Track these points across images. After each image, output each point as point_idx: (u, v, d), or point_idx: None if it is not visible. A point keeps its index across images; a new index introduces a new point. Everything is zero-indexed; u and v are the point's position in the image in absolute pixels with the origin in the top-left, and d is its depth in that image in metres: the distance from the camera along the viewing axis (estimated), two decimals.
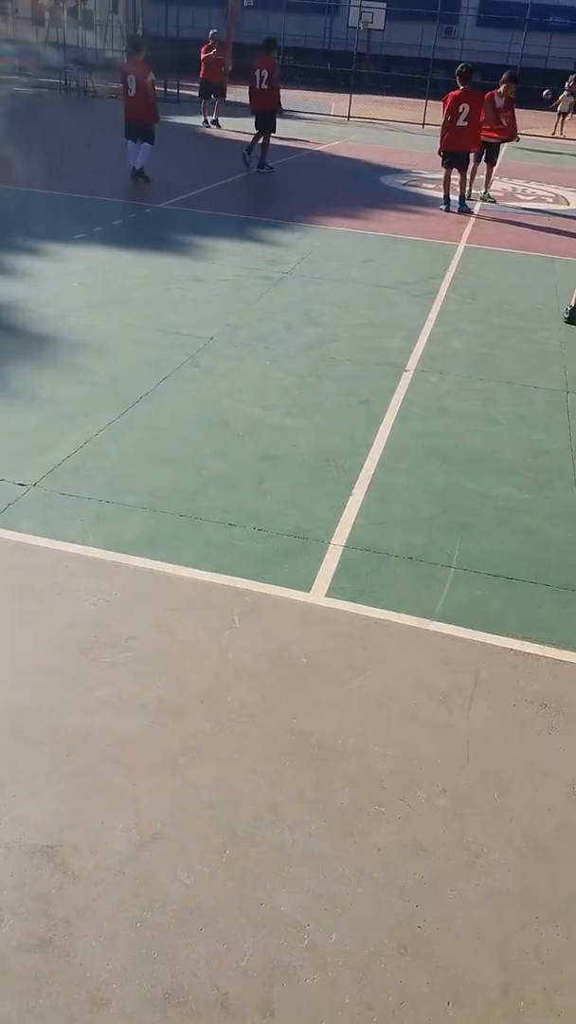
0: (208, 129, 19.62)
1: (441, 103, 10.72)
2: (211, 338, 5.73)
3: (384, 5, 29.67)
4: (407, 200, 11.70)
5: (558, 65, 34.22)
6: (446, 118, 10.46)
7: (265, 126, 12.72)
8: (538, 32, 32.43)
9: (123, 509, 3.60)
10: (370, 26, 30.26)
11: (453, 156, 10.62)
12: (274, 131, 12.98)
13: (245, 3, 26.84)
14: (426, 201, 11.77)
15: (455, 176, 10.86)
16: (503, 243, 9.45)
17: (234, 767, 2.39)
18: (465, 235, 9.62)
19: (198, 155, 15.60)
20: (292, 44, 34.52)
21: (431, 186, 12.82)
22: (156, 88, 11.29)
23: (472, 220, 10.66)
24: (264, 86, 12.49)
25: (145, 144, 11.02)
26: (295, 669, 2.79)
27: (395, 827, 2.24)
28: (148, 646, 2.82)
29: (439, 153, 10.77)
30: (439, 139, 10.78)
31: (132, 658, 2.76)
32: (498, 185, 13.53)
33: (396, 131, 12.59)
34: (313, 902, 2.02)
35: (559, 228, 10.74)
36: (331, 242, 8.87)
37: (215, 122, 19.04)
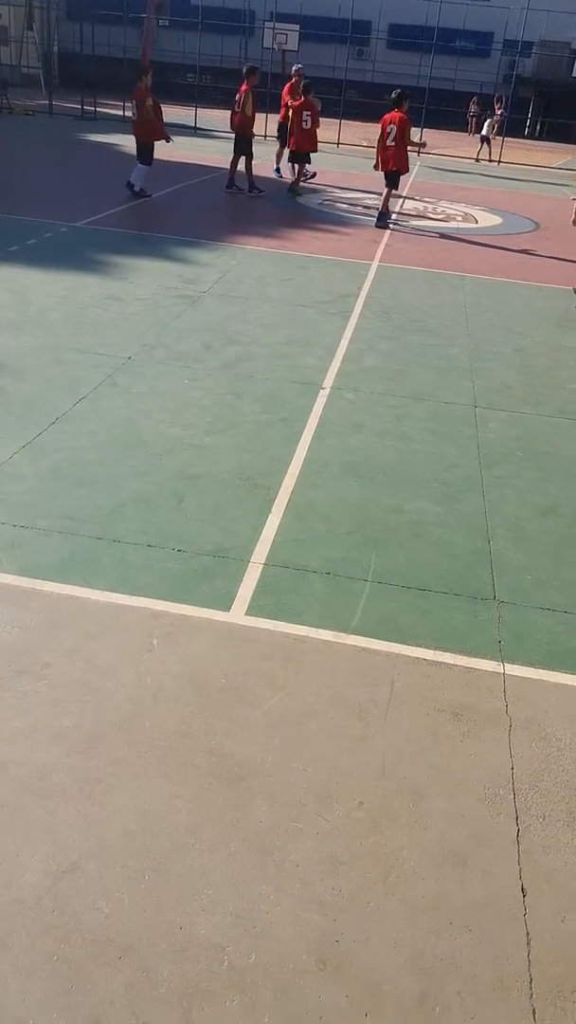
0: (125, 147, 19.51)
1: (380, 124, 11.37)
2: (129, 358, 5.71)
3: (297, 27, 30.15)
4: (322, 219, 11.92)
5: (464, 87, 35.48)
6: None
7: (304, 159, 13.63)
8: (445, 55, 33.53)
9: (38, 533, 3.56)
10: (284, 47, 30.71)
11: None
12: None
13: (160, 23, 26.89)
14: (340, 220, 12.01)
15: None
16: (415, 262, 9.71)
17: (152, 792, 2.38)
18: (378, 254, 9.85)
19: (116, 173, 15.52)
20: (208, 64, 34.76)
21: (345, 206, 13.08)
22: (157, 110, 11.83)
23: (385, 239, 10.92)
24: (307, 127, 13.11)
25: (139, 164, 11.93)
26: (214, 690, 2.80)
27: (313, 843, 2.28)
28: (64, 673, 2.79)
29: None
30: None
31: (48, 686, 2.73)
32: (409, 204, 13.93)
33: (328, 151, 12.88)
34: (232, 923, 2.03)
35: (469, 246, 11.09)
36: (248, 261, 8.96)
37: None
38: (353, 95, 32.38)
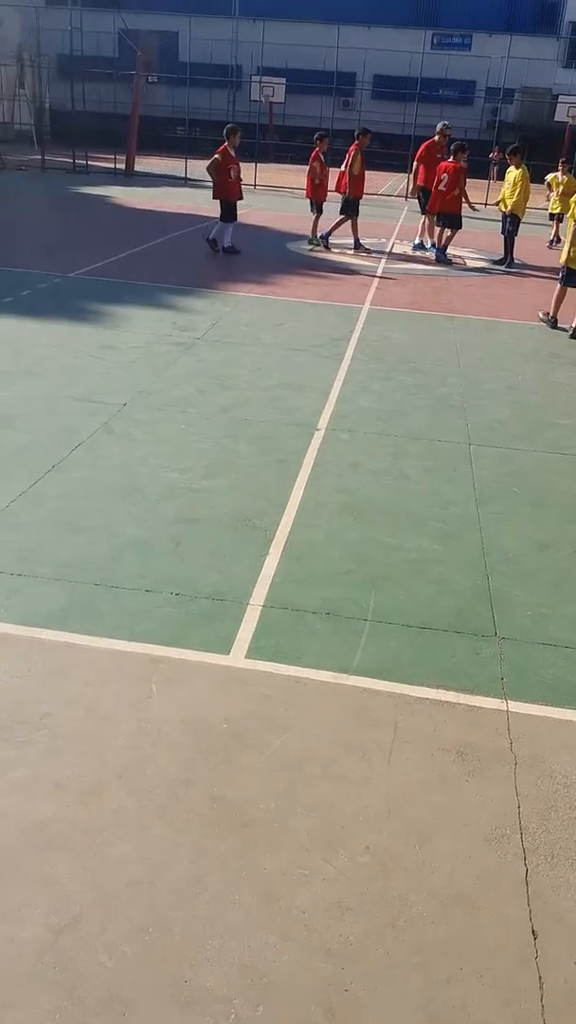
0: (116, 199, 19.94)
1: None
2: (124, 404, 5.77)
3: (284, 80, 31.05)
4: (312, 265, 12.13)
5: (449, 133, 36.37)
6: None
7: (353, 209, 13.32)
8: (429, 104, 34.44)
9: (36, 581, 3.56)
10: (271, 99, 31.62)
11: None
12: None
13: (150, 79, 27.68)
14: (330, 266, 12.22)
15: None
16: (405, 304, 9.87)
17: (155, 842, 2.35)
18: (369, 297, 10.01)
19: (108, 225, 15.84)
20: (197, 117, 35.69)
21: (336, 251, 13.33)
22: (227, 171, 11.92)
23: (375, 282, 11.11)
24: (355, 172, 12.98)
25: (220, 221, 12.13)
26: (216, 735, 2.78)
27: (319, 889, 2.24)
28: (64, 722, 2.77)
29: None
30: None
31: (47, 736, 2.71)
32: (399, 248, 14.19)
33: (300, 198, 13.16)
34: (239, 974, 1.99)
35: (457, 288, 11.28)
36: (241, 308, 9.09)
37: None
38: (339, 143, 33.23)
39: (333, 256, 12.99)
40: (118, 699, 2.90)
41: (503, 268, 12.85)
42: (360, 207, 13.37)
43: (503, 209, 12.80)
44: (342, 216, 13.27)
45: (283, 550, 3.98)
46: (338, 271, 11.82)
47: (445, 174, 12.39)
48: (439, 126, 13.30)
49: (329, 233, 13.31)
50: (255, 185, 25.31)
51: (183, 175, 25.95)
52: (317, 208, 13.57)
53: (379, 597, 3.65)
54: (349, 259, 12.87)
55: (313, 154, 13.13)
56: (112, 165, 26.64)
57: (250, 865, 2.29)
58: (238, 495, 4.54)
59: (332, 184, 13.67)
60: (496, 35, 36.88)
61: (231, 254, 12.12)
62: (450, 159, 12.56)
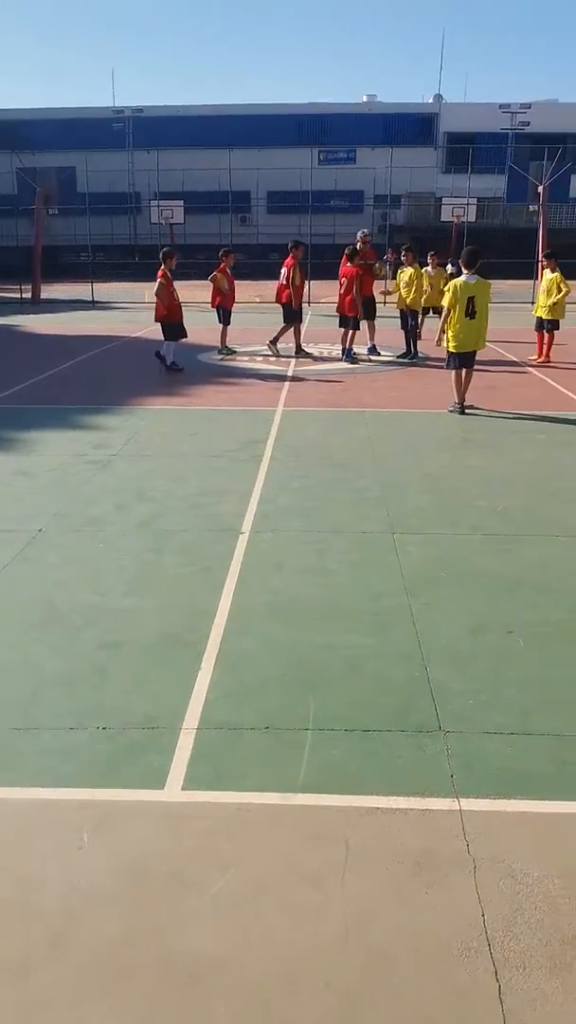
0: (24, 327, 20.17)
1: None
2: (40, 530, 5.62)
3: (181, 202, 32.51)
4: (224, 373, 12.38)
5: (343, 240, 38.50)
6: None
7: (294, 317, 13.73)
8: (322, 214, 36.52)
9: None
10: (171, 221, 32.99)
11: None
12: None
13: (50, 212, 28.60)
14: (241, 372, 12.49)
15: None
16: (317, 402, 10.10)
17: (97, 1015, 2.11)
18: (282, 399, 10.22)
19: (16, 353, 15.95)
20: (100, 243, 36.91)
21: (245, 358, 13.67)
22: (170, 290, 12.17)
23: (287, 385, 11.38)
24: (296, 283, 13.30)
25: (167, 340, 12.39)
26: (156, 881, 2.56)
27: None
28: None
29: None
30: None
31: None
32: (311, 350, 14.62)
33: (205, 311, 13.57)
34: None
35: (365, 384, 11.64)
36: (156, 420, 9.14)
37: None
38: (242, 257, 34.73)
39: (244, 363, 13.31)
40: (44, 856, 2.66)
41: (408, 360, 13.36)
42: (299, 314, 13.89)
43: (401, 306, 13.44)
44: (286, 324, 13.75)
45: (215, 663, 3.84)
46: (250, 377, 12.09)
47: (345, 278, 12.92)
48: (359, 234, 13.85)
49: (275, 339, 13.81)
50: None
51: (90, 299, 26.54)
52: (225, 318, 13.98)
53: (318, 702, 3.52)
54: (260, 364, 13.20)
55: (220, 267, 13.59)
56: (18, 295, 27.12)
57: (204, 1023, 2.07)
58: (164, 610, 4.41)
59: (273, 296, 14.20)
60: (378, 147, 39.65)
61: (175, 371, 12.25)
62: (347, 264, 13.06)
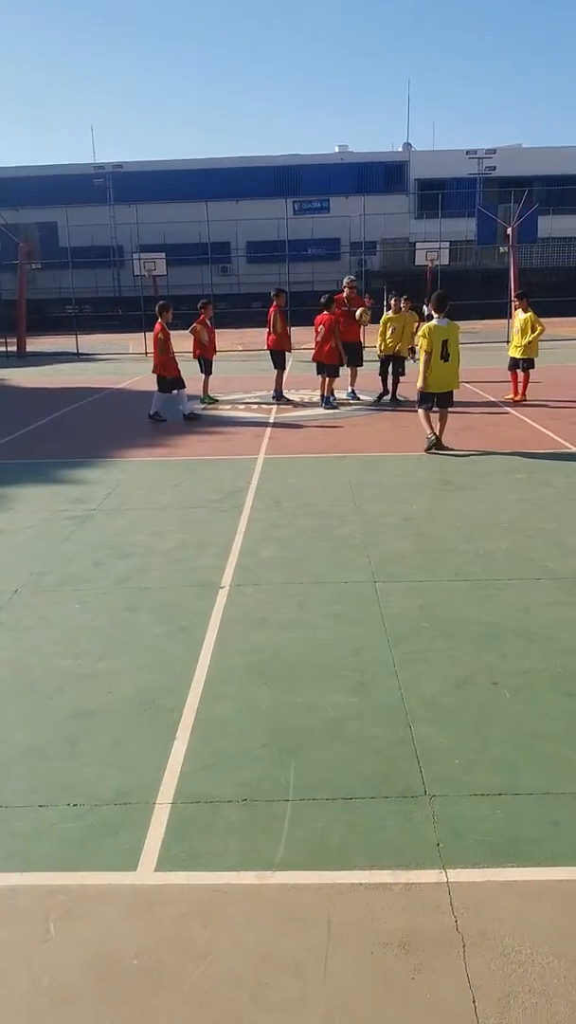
0: (8, 380, 20.20)
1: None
2: (15, 591, 5.49)
3: (163, 255, 32.97)
4: (205, 423, 12.35)
5: (321, 287, 39.12)
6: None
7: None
8: (300, 262, 37.11)
9: None
10: (153, 273, 33.42)
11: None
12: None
13: (33, 266, 28.94)
14: (223, 421, 12.49)
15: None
16: (298, 449, 10.07)
17: None
18: (263, 448, 10.18)
19: (0, 407, 15.93)
20: (85, 296, 37.33)
21: (227, 407, 13.70)
22: (165, 344, 12.18)
23: (268, 432, 11.37)
24: (279, 330, 13.54)
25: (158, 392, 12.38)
26: (125, 976, 2.41)
27: None
28: None
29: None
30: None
31: None
32: (291, 397, 14.66)
33: (189, 361, 13.61)
34: None
35: (346, 428, 11.64)
36: (138, 473, 9.08)
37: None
38: (225, 306, 35.18)
39: (226, 411, 13.32)
40: (6, 950, 2.50)
41: (388, 403, 13.40)
42: (285, 360, 14.10)
43: (388, 352, 13.44)
44: (277, 370, 13.92)
45: (191, 731, 3.70)
46: (232, 425, 12.08)
47: (322, 326, 12.99)
48: (345, 280, 13.92)
49: (278, 389, 13.99)
50: (146, 353, 26.24)
51: (75, 351, 26.72)
52: (206, 367, 14.03)
53: (299, 770, 3.38)
54: (242, 412, 13.22)
55: (199, 319, 13.68)
56: (3, 348, 27.29)
57: None
58: (139, 674, 4.27)
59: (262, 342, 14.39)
60: (352, 196, 40.46)
61: (157, 420, 12.23)
62: (323, 312, 13.14)
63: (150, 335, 26.92)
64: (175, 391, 12.23)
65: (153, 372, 12.52)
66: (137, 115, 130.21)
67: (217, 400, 14.20)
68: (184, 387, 12.37)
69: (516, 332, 13.05)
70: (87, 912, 2.65)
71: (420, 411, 9.65)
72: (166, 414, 12.38)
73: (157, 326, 12.23)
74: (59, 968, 2.44)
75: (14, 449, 10.85)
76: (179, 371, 12.27)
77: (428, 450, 9.41)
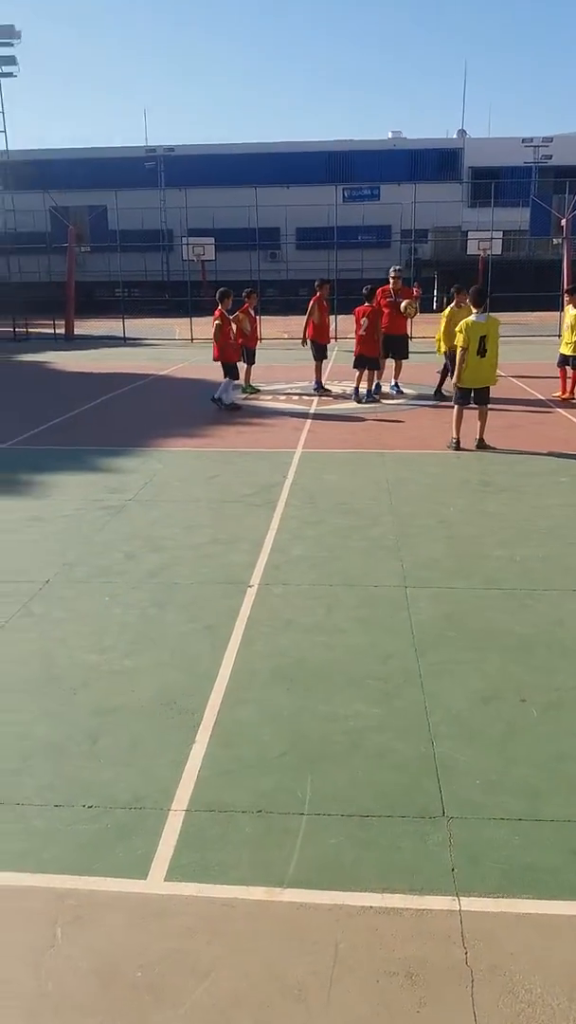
0: (56, 364, 20.42)
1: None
2: (47, 581, 5.54)
3: (212, 240, 32.94)
4: (245, 414, 12.30)
5: (370, 275, 38.75)
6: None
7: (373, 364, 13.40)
8: (350, 249, 36.76)
9: None
10: (203, 258, 33.43)
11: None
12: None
13: (83, 249, 29.13)
14: (263, 412, 12.44)
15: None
16: (336, 444, 9.98)
17: None
18: (301, 441, 10.11)
19: (46, 390, 16.12)
20: (131, 279, 37.50)
21: (268, 397, 13.64)
22: (226, 331, 12.38)
23: (308, 425, 11.29)
24: (363, 333, 12.97)
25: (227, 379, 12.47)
26: (127, 988, 2.40)
27: None
28: None
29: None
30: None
31: None
32: (330, 387, 14.54)
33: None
34: None
35: (386, 423, 11.50)
36: (175, 463, 9.09)
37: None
38: (272, 293, 35.06)
39: (267, 402, 13.26)
40: (15, 952, 2.51)
41: (432, 400, 13.14)
42: (326, 351, 14.03)
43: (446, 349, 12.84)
44: (316, 361, 13.91)
45: (211, 735, 3.68)
46: (272, 416, 12.03)
47: (364, 318, 12.77)
48: (392, 271, 13.50)
49: (319, 380, 14.00)
50: (192, 339, 26.30)
51: (122, 335, 26.87)
52: (249, 357, 14.00)
53: (316, 782, 3.34)
54: (282, 404, 13.15)
55: (243, 308, 13.64)
56: (52, 331, 27.58)
57: None
58: (163, 672, 4.27)
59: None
60: (404, 184, 39.92)
61: (232, 408, 12.34)
62: (365, 303, 12.89)
63: (198, 320, 27.03)
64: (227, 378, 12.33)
65: (215, 359, 12.62)
66: (191, 99, 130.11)
67: (259, 390, 14.16)
68: (237, 377, 12.45)
69: (567, 328, 12.74)
70: (95, 919, 2.65)
71: (455, 408, 9.49)
72: (177, 398, 12.52)
73: (217, 312, 12.28)
74: (64, 974, 2.44)
75: (56, 435, 10.95)
76: (237, 358, 12.38)
77: (449, 446, 9.30)
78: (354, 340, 13.16)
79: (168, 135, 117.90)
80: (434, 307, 42.44)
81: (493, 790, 3.28)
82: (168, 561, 5.95)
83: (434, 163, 47.98)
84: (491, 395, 9.56)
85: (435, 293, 42.46)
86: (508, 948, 2.53)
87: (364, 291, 12.93)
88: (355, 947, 2.54)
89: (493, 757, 3.51)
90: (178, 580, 5.58)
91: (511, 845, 2.97)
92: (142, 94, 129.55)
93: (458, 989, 2.39)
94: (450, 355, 12.25)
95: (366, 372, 12.99)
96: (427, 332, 25.07)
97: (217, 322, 12.24)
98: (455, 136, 49.93)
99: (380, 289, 13.14)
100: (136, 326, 29.78)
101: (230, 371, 12.44)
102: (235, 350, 12.60)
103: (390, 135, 50.32)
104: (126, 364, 19.76)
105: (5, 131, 27.57)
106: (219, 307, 12.29)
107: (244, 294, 13.90)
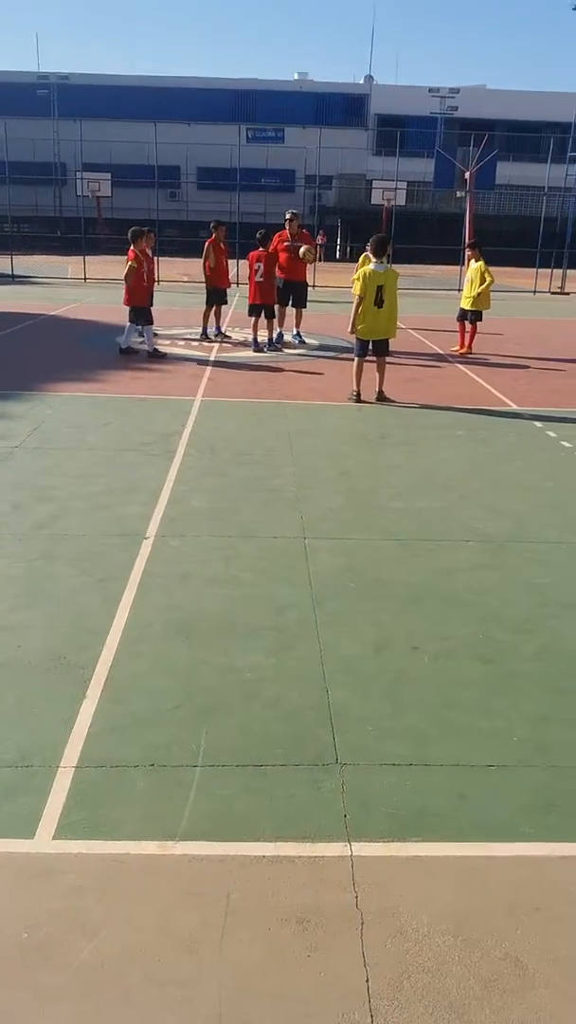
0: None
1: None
2: None
3: (109, 175, 31.50)
4: (143, 358, 11.94)
5: (273, 219, 38.13)
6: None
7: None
8: (253, 192, 35.92)
9: None
10: (98, 194, 31.97)
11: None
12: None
13: None
14: (161, 358, 12.09)
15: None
16: (237, 393, 9.83)
17: None
18: (201, 389, 9.91)
19: None
20: (24, 214, 35.60)
21: (166, 342, 13.26)
22: (140, 273, 11.68)
23: (208, 372, 11.07)
24: (259, 279, 12.40)
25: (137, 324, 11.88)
26: (13, 952, 2.33)
27: None
28: None
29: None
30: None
31: None
32: (231, 334, 14.30)
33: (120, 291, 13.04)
34: None
35: (288, 373, 11.41)
36: (66, 408, 8.74)
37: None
38: (172, 234, 33.96)
39: (164, 347, 12.89)
40: None
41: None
42: (225, 296, 13.69)
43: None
44: (208, 306, 13.54)
45: (102, 690, 3.59)
46: (170, 363, 11.71)
47: (259, 263, 12.41)
48: (287, 214, 12.98)
49: (218, 326, 13.69)
50: (85, 279, 25.26)
51: (10, 272, 25.51)
52: (219, 297, 13.49)
53: (211, 734, 3.31)
54: (181, 349, 12.83)
55: (210, 239, 13.04)
56: None
57: None
58: (52, 627, 4.13)
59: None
60: (309, 127, 39.17)
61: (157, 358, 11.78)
62: (259, 248, 12.38)
63: (93, 259, 25.90)
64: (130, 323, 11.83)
65: (125, 304, 11.98)
66: (88, 25, 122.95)
67: (156, 334, 13.73)
68: (146, 323, 11.89)
69: (467, 282, 12.89)
70: None
71: (355, 360, 9.47)
72: (70, 340, 11.97)
73: (131, 253, 11.65)
74: None
75: None
76: (147, 303, 11.88)
77: (350, 398, 9.32)
78: (248, 286, 12.86)
79: (63, 64, 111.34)
80: (337, 256, 42.34)
81: (384, 737, 3.34)
82: (58, 512, 5.73)
83: (340, 108, 47.30)
84: (391, 348, 9.61)
85: (338, 242, 42.27)
86: (397, 890, 2.59)
87: (258, 235, 12.48)
88: (247, 897, 2.54)
89: (384, 705, 3.57)
90: (69, 532, 5.39)
91: (401, 790, 3.03)
92: (34, 17, 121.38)
93: (347, 934, 2.43)
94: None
95: (264, 320, 12.77)
96: (329, 281, 24.98)
97: (131, 264, 11.63)
98: (362, 82, 49.27)
99: (277, 234, 12.81)
100: (26, 263, 28.36)
101: (139, 316, 11.87)
102: (146, 294, 12.02)
103: (296, 76, 49.18)
104: (14, 303, 18.81)
105: None
106: (132, 247, 11.69)
107: (211, 226, 13.18)
